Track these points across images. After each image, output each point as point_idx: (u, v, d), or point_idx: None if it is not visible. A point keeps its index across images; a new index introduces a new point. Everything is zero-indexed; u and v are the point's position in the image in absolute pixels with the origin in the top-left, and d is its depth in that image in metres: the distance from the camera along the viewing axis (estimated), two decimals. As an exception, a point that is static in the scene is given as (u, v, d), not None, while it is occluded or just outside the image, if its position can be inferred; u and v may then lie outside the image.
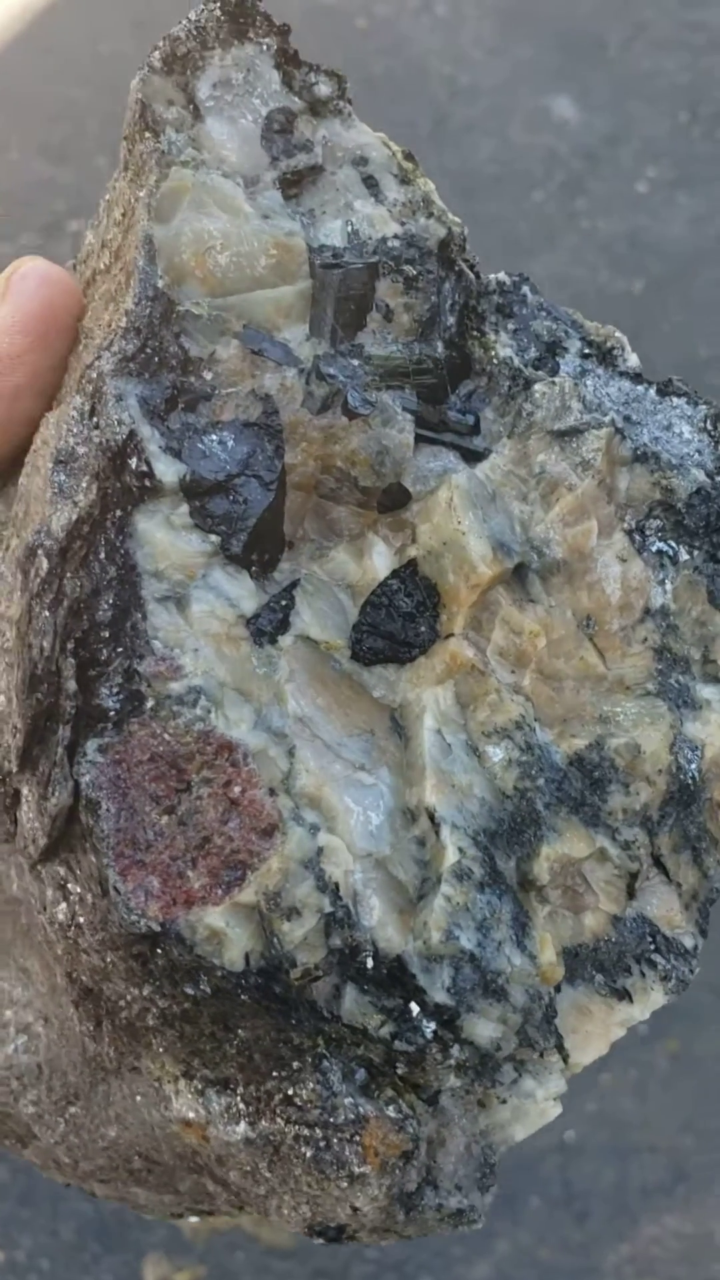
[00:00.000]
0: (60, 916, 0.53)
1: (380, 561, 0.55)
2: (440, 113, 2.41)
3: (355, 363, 0.55)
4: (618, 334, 0.59)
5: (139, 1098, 0.57)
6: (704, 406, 0.58)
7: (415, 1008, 0.52)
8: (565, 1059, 0.55)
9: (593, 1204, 1.79)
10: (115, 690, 0.51)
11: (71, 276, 0.59)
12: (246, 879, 0.50)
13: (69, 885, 0.52)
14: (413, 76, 2.49)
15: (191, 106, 0.56)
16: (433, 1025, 0.52)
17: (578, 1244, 1.77)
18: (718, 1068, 1.85)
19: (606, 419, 0.56)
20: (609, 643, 0.56)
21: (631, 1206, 1.79)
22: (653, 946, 0.55)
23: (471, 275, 0.58)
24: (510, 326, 0.58)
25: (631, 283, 2.27)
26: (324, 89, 0.58)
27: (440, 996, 0.52)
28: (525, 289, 0.59)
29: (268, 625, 0.53)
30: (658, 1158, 1.81)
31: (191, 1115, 0.54)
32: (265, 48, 0.57)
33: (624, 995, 0.55)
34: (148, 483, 0.52)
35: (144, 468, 0.52)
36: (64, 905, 0.53)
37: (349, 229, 0.57)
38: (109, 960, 0.52)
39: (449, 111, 2.41)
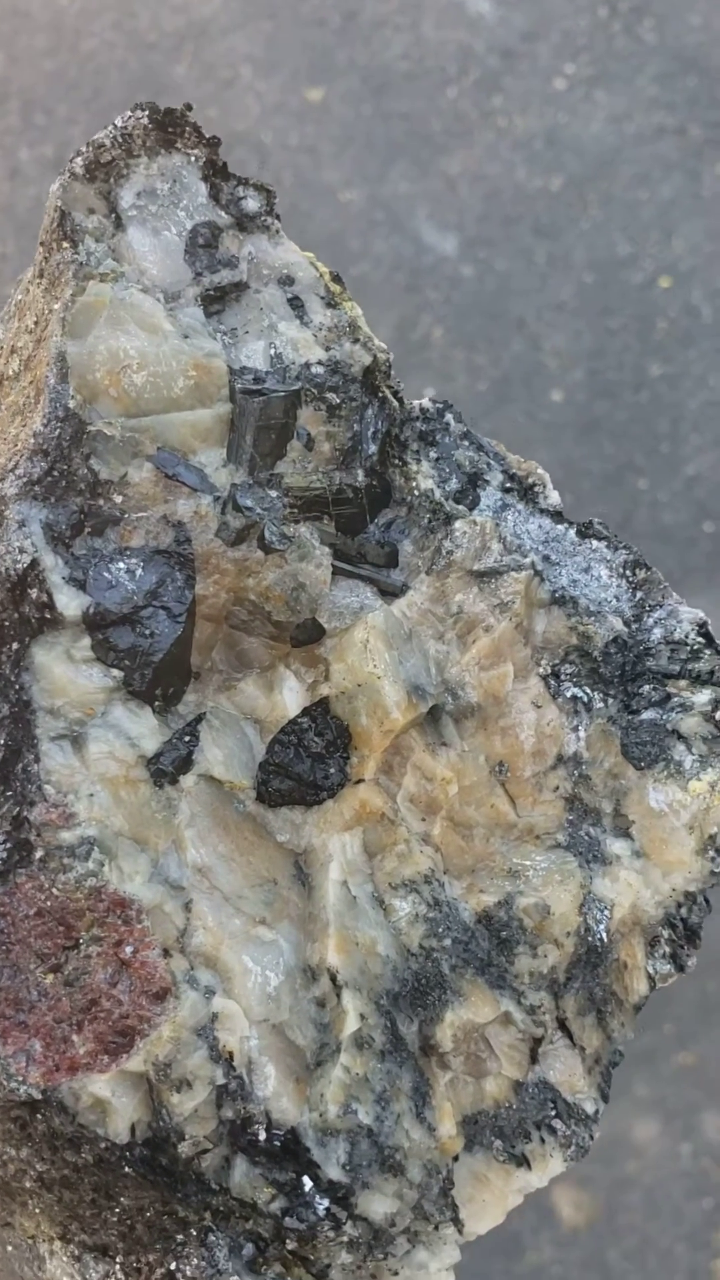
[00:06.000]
0: None
1: (291, 698, 0.54)
2: (350, 7, 2.34)
3: (273, 494, 0.53)
4: (539, 470, 0.58)
5: (10, 1248, 0.56)
6: (623, 551, 0.57)
7: (308, 1182, 0.50)
8: (460, 1229, 0.54)
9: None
10: (2, 839, 0.49)
11: None
12: (135, 1046, 0.49)
13: None
14: (322, -32, 2.41)
15: (113, 215, 0.53)
16: (326, 1202, 0.50)
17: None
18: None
19: (526, 561, 0.55)
20: (521, 789, 0.55)
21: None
22: (553, 1112, 0.54)
23: (395, 403, 0.56)
24: (433, 455, 0.57)
25: (549, 180, 2.24)
26: (252, 204, 0.55)
27: (335, 1173, 0.50)
28: (449, 416, 0.57)
29: (169, 764, 0.51)
30: (572, 1057, 1.84)
31: None
32: (193, 159, 0.54)
33: (523, 1162, 0.54)
34: (48, 614, 0.50)
35: (45, 598, 0.50)
36: None
37: (272, 351, 0.54)
38: None
39: (359, 6, 2.34)
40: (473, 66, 2.30)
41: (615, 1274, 1.79)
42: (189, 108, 0.55)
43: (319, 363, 0.55)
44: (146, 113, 0.54)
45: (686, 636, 0.56)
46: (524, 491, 0.57)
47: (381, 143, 2.26)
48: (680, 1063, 1.84)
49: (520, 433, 2.08)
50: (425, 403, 0.58)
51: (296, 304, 0.55)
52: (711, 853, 0.54)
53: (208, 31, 2.28)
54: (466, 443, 0.58)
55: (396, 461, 0.56)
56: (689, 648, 0.56)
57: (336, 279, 0.56)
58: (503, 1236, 1.82)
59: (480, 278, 2.17)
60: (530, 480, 0.58)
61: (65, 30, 2.27)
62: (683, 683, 0.55)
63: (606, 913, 0.55)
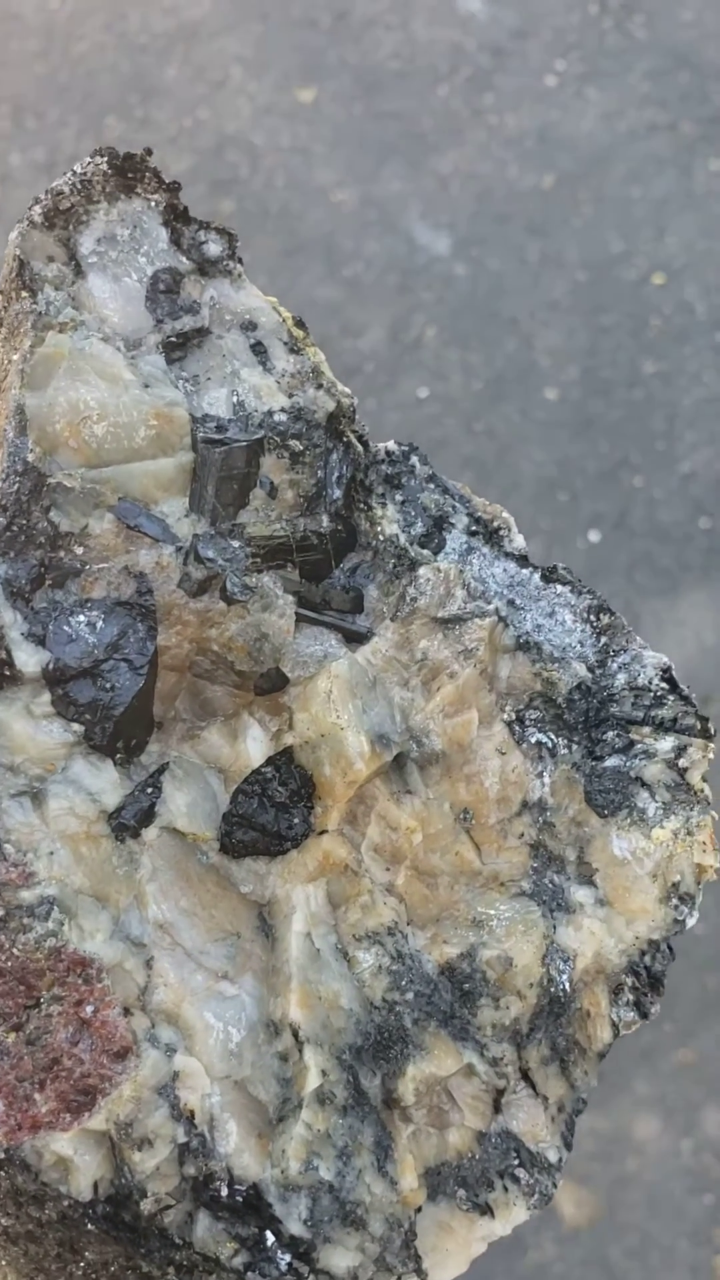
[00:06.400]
0: None
1: (255, 747, 0.54)
2: (341, 7, 2.34)
3: (235, 544, 0.53)
4: (504, 513, 0.57)
5: None
6: (587, 596, 0.57)
7: (270, 1237, 0.50)
8: (424, 1279, 0.54)
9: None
10: None
11: None
12: (97, 1105, 0.49)
13: None
14: (312, -32, 2.40)
15: (73, 263, 0.53)
16: (288, 1257, 0.50)
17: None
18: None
19: (490, 607, 0.55)
20: (485, 836, 0.55)
21: (547, 1106, 1.82)
22: (516, 1162, 0.54)
23: (359, 447, 0.56)
24: (398, 498, 0.57)
25: (541, 178, 2.24)
26: (214, 248, 0.55)
27: (296, 1228, 0.50)
28: (414, 459, 0.57)
29: (131, 818, 0.51)
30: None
31: None
32: (153, 204, 0.54)
33: (486, 1210, 0.54)
34: (7, 671, 0.50)
35: (3, 656, 0.50)
36: None
37: (234, 399, 0.54)
38: None
39: (350, 6, 2.34)
40: (464, 65, 2.29)
41: (617, 1271, 1.79)
42: (149, 152, 0.55)
43: (282, 410, 0.54)
44: (106, 158, 0.54)
45: (650, 682, 0.56)
46: (489, 535, 0.57)
47: (373, 142, 2.26)
48: (680, 1060, 1.84)
49: (515, 431, 2.08)
50: (390, 445, 0.57)
51: (259, 350, 0.55)
52: (674, 901, 0.54)
53: (198, 33, 2.27)
54: (432, 485, 0.57)
55: (362, 506, 0.56)
56: (652, 694, 0.56)
57: (299, 324, 0.56)
58: (505, 1236, 1.82)
59: (473, 277, 2.17)
60: (495, 524, 0.57)
61: (56, 34, 2.26)
62: (646, 729, 0.55)
63: (569, 963, 0.54)
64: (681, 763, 0.55)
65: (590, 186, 2.24)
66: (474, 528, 0.57)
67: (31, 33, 2.25)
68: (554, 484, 2.06)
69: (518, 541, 0.57)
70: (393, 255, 2.17)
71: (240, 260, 0.56)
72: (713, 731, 0.56)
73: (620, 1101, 1.83)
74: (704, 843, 0.55)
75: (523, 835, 0.55)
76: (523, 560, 0.57)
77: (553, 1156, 0.55)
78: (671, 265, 2.21)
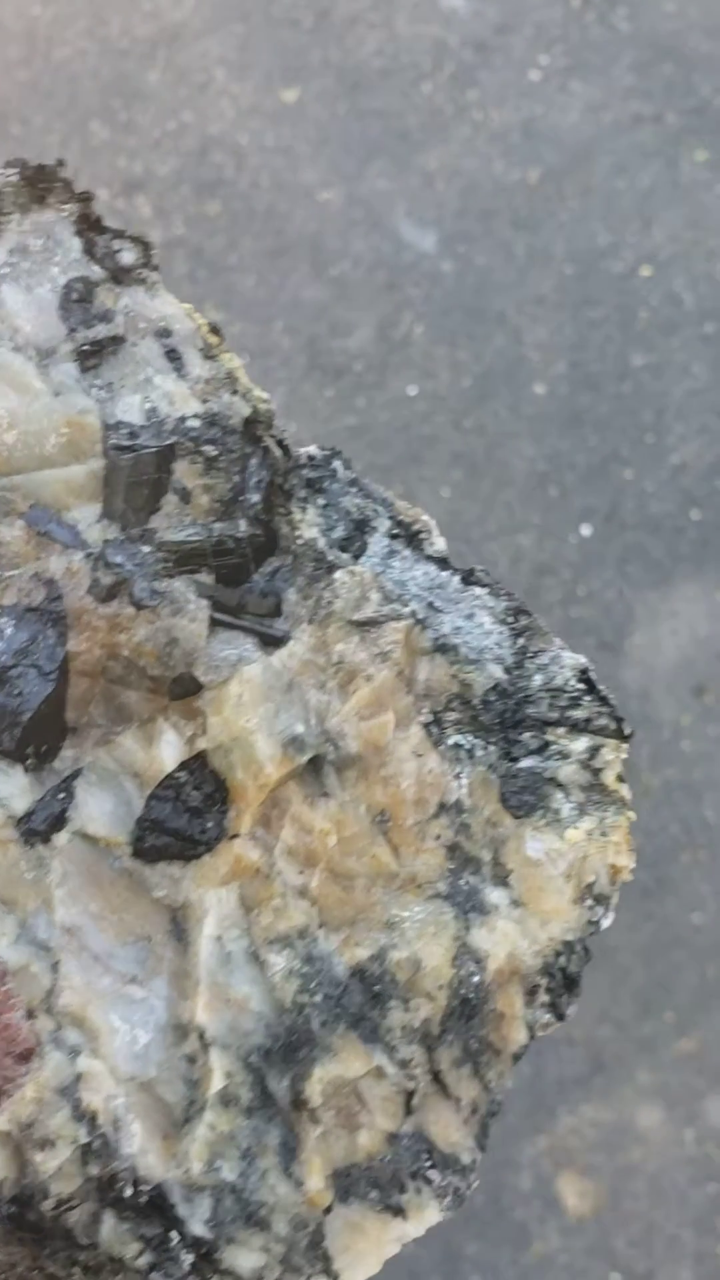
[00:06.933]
0: None
1: (169, 751, 0.54)
2: (322, 6, 2.34)
3: (145, 549, 0.53)
4: (425, 516, 0.58)
5: None
6: (504, 599, 0.57)
7: (175, 1237, 0.51)
8: (335, 1279, 0.54)
9: (509, 1098, 1.83)
10: None
11: None
12: (1, 1107, 0.49)
13: None
14: (293, -32, 2.40)
15: None
16: (191, 1257, 0.51)
17: (494, 1138, 1.80)
18: (631, 958, 1.87)
19: (407, 610, 0.55)
20: (403, 838, 0.55)
21: (549, 1099, 1.82)
22: (429, 1163, 0.54)
23: (279, 451, 0.56)
24: (320, 502, 0.57)
25: (527, 172, 2.24)
26: (128, 256, 0.55)
27: (199, 1229, 0.51)
28: (336, 463, 0.57)
29: (41, 823, 0.52)
30: (575, 1050, 1.84)
31: None
32: (66, 214, 0.54)
33: (398, 1212, 0.54)
34: None
35: None
36: None
37: (147, 405, 0.54)
38: None
39: (331, 5, 2.34)
40: (447, 61, 2.29)
41: (622, 1261, 1.80)
42: (60, 163, 0.55)
43: (195, 415, 0.55)
44: (17, 170, 0.54)
45: (566, 683, 0.56)
46: (410, 538, 0.57)
47: (358, 141, 2.26)
48: (682, 1049, 1.85)
49: (504, 427, 2.08)
50: (312, 450, 0.58)
51: (174, 356, 0.55)
52: (589, 901, 0.54)
53: (180, 36, 2.27)
54: (354, 489, 0.58)
55: (282, 510, 0.56)
56: (567, 694, 0.56)
57: (214, 330, 0.56)
58: (509, 1227, 1.84)
59: (460, 273, 2.17)
60: (416, 527, 0.57)
61: (38, 39, 2.26)
62: (561, 730, 0.55)
63: (481, 965, 0.55)
64: (595, 763, 0.55)
65: (576, 180, 2.23)
66: (395, 531, 0.57)
67: (12, 39, 2.26)
68: (545, 479, 2.06)
69: (439, 544, 0.58)
70: (379, 253, 2.17)
71: (156, 268, 0.56)
72: (627, 732, 0.56)
73: (622, 1092, 1.83)
74: (618, 843, 0.55)
75: (439, 837, 0.55)
76: (443, 563, 0.57)
77: (466, 1158, 0.55)
78: (659, 257, 2.21)
